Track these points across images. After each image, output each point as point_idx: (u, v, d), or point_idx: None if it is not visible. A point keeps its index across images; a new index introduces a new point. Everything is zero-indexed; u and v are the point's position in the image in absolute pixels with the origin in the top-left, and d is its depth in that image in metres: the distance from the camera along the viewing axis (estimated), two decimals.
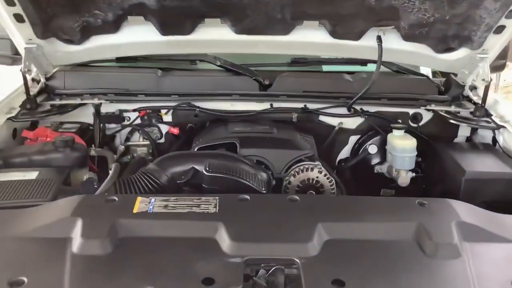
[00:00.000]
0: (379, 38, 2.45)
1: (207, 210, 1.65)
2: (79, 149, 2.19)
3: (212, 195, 1.73)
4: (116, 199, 1.71)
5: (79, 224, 1.56)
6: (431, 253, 1.51)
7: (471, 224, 1.63)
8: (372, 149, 2.62)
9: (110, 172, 1.99)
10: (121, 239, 1.54)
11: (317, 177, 2.18)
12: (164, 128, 2.77)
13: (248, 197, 1.73)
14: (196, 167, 2.05)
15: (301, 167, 2.19)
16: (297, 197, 1.73)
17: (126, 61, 2.80)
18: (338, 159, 2.82)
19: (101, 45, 2.52)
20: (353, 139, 2.78)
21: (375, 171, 2.61)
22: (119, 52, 2.63)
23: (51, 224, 1.58)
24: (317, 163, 2.25)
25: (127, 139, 2.78)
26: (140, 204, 1.68)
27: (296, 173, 2.18)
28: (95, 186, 1.96)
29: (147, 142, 2.73)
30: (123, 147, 2.67)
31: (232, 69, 2.72)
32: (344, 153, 2.81)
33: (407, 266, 1.49)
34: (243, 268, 1.43)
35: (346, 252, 1.53)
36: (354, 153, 2.74)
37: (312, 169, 2.18)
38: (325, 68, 2.98)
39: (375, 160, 2.65)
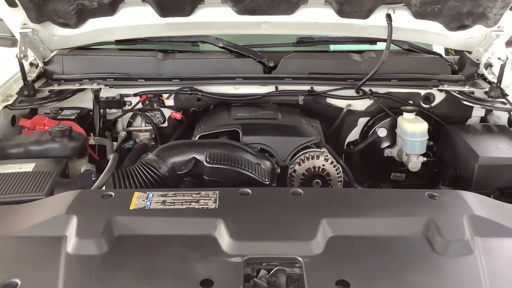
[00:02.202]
0: (388, 17, 2.32)
1: (206, 206, 1.59)
2: (77, 139, 2.13)
3: (212, 189, 1.67)
4: (113, 194, 1.65)
5: (74, 222, 1.51)
6: (442, 250, 1.44)
7: (483, 218, 1.55)
8: (382, 132, 2.52)
9: (108, 163, 1.93)
10: (117, 238, 1.49)
11: (323, 165, 2.10)
12: (167, 112, 2.69)
13: (249, 191, 1.66)
14: (197, 157, 1.98)
15: (307, 155, 2.10)
16: (301, 191, 1.65)
17: (125, 44, 2.70)
18: (346, 141, 2.73)
19: (98, 29, 2.43)
20: (362, 121, 2.68)
21: (385, 155, 2.51)
22: (117, 35, 2.53)
23: (45, 222, 1.53)
24: (323, 150, 2.17)
25: (129, 124, 2.71)
26: (137, 199, 1.62)
27: (301, 161, 2.10)
28: (93, 178, 1.90)
29: (149, 127, 2.66)
30: (125, 133, 2.60)
31: (235, 51, 2.62)
32: (353, 135, 2.72)
33: (416, 264, 1.42)
34: (243, 268, 1.37)
35: (352, 250, 1.46)
36: (363, 136, 2.65)
37: (318, 157, 2.09)
38: (333, 47, 2.86)
39: (385, 144, 2.55)
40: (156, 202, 1.61)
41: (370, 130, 2.61)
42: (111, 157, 1.98)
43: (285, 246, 1.45)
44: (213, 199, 1.62)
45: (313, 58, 2.63)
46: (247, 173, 1.86)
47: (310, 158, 2.09)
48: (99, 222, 1.50)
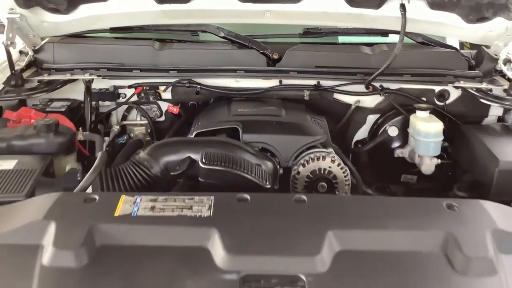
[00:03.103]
0: (402, 7, 2.15)
1: (199, 213, 1.43)
2: (64, 134, 1.97)
3: (206, 194, 1.51)
4: (97, 197, 1.50)
5: (52, 229, 1.36)
6: (462, 269, 1.28)
7: (509, 232, 1.39)
8: (393, 131, 2.35)
9: (95, 162, 1.77)
10: (99, 248, 1.34)
11: (329, 167, 1.94)
12: (164, 106, 2.53)
13: (248, 196, 1.50)
14: (193, 156, 1.82)
15: (312, 156, 1.94)
16: (305, 197, 1.49)
17: (121, 32, 2.54)
18: (354, 140, 2.56)
19: (91, 15, 2.28)
20: (371, 118, 2.51)
21: (396, 155, 2.35)
22: (111, 22, 2.37)
23: (20, 228, 1.38)
24: (329, 150, 2.00)
25: (124, 117, 2.55)
26: (124, 205, 1.46)
27: (305, 162, 1.94)
28: (78, 179, 1.74)
29: (145, 121, 2.51)
30: (118, 127, 2.44)
31: (237, 41, 2.45)
32: (361, 133, 2.55)
33: (433, 284, 1.27)
34: (239, 287, 1.21)
35: (361, 267, 1.30)
36: (373, 134, 2.48)
37: (324, 158, 1.93)
38: (341, 39, 2.68)
39: (396, 143, 2.39)
40: (144, 208, 1.45)
41: (380, 128, 2.44)
42: (99, 154, 1.82)
43: (286, 262, 1.29)
44: (207, 205, 1.46)
45: (320, 51, 2.45)
46: (247, 176, 1.71)
47: (316, 159, 1.93)
48: (80, 229, 1.35)
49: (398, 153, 2.34)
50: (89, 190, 1.71)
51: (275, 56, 2.39)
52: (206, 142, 1.88)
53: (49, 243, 1.32)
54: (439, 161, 2.19)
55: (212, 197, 1.50)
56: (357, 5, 2.18)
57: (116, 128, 2.42)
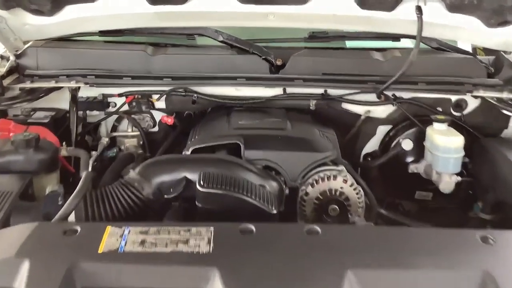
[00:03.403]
0: (418, 9, 1.95)
1: (197, 249, 1.24)
2: (46, 150, 1.78)
3: (205, 224, 1.31)
4: (78, 229, 1.30)
5: (25, 268, 1.17)
6: None
7: None
8: (407, 144, 2.16)
9: (79, 184, 1.57)
10: None
11: (341, 188, 1.74)
12: (158, 115, 2.34)
13: (253, 228, 1.31)
14: (189, 176, 1.63)
15: (321, 175, 1.75)
16: (318, 228, 1.30)
17: (111, 35, 2.33)
18: (363, 153, 2.37)
19: (77, 17, 2.06)
20: (382, 129, 2.32)
21: (410, 171, 2.16)
22: (99, 25, 2.17)
23: None
24: (340, 168, 1.81)
25: (114, 128, 2.35)
26: (109, 238, 1.27)
27: (315, 182, 1.74)
28: (60, 203, 1.55)
29: (137, 132, 2.30)
30: (107, 139, 2.24)
31: (237, 46, 2.25)
32: (371, 146, 2.36)
33: None
34: None
35: None
36: (384, 147, 2.29)
37: (335, 177, 1.74)
38: (349, 44, 2.49)
39: (410, 158, 2.20)
40: (133, 242, 1.26)
41: (392, 141, 2.25)
42: (83, 175, 1.62)
43: None
44: (206, 238, 1.27)
45: (328, 57, 2.26)
46: (250, 200, 1.51)
47: (326, 178, 1.74)
48: (58, 269, 1.17)
49: (413, 168, 2.16)
50: (72, 216, 1.51)
51: (279, 62, 2.20)
52: (204, 160, 1.68)
53: (22, 286, 1.13)
54: (459, 178, 2.00)
55: (212, 229, 1.31)
56: (368, 7, 1.99)
57: (105, 140, 2.22)
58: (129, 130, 2.32)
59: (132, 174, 1.64)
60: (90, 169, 1.97)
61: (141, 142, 2.31)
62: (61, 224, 1.37)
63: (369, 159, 2.36)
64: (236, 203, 1.51)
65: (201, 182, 1.51)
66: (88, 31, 2.23)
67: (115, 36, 2.35)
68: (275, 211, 1.53)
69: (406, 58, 2.06)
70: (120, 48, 2.27)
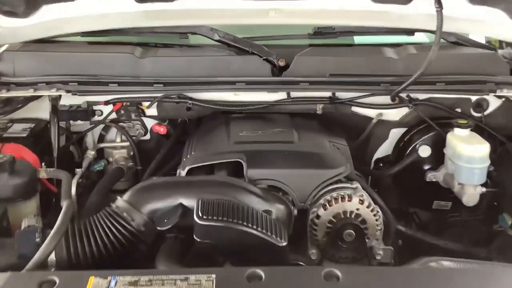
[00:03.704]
0: (438, 2, 1.75)
1: None
2: (22, 173, 1.58)
3: (205, 271, 1.12)
4: (57, 280, 1.10)
5: None
6: None
7: None
8: (424, 151, 1.96)
9: (58, 219, 1.37)
10: None
11: (357, 209, 1.55)
12: (149, 121, 2.12)
13: (262, 273, 1.12)
14: (185, 202, 1.43)
15: (335, 195, 1.55)
16: (338, 273, 1.11)
17: (94, 35, 2.11)
18: (374, 158, 2.17)
19: (56, 18, 1.86)
20: (395, 132, 2.12)
21: (427, 180, 1.97)
22: (81, 26, 1.96)
23: None
24: (355, 185, 1.61)
25: (101, 137, 2.14)
26: None
27: (327, 204, 1.55)
28: (37, 240, 1.35)
29: (127, 143, 2.09)
30: (93, 152, 2.03)
31: (235, 46, 2.02)
32: (383, 150, 2.16)
33: None
34: None
35: None
36: (398, 153, 2.09)
37: (350, 198, 1.54)
38: (358, 39, 2.26)
39: (427, 165, 2.00)
40: None
41: (408, 146, 2.05)
42: (64, 205, 1.42)
43: None
44: None
45: (335, 55, 2.04)
46: (256, 232, 1.31)
47: (340, 199, 1.54)
48: None
49: (431, 177, 1.97)
50: (52, 255, 1.32)
51: (281, 63, 1.97)
52: (201, 184, 1.49)
53: None
54: (484, 189, 1.81)
55: (213, 276, 1.11)
56: (382, 0, 1.78)
57: (90, 154, 2.01)
58: (118, 140, 2.11)
59: (120, 202, 1.44)
60: (74, 190, 1.78)
61: (132, 153, 2.10)
62: (36, 275, 1.17)
63: (381, 165, 2.16)
64: (240, 236, 1.32)
65: (199, 213, 1.31)
66: (68, 32, 2.01)
67: (100, 36, 2.13)
68: (284, 243, 1.33)
69: (422, 55, 1.86)
70: (105, 50, 2.04)
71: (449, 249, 1.85)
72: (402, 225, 2.13)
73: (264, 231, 1.32)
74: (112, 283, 1.10)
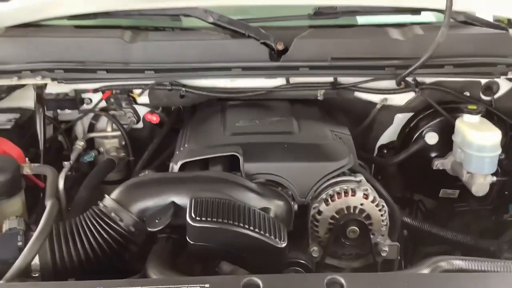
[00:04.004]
0: None
1: None
2: (5, 170, 1.48)
3: (199, 281, 1.03)
4: None
5: None
6: None
7: None
8: (431, 138, 1.87)
9: (43, 216, 1.28)
10: None
11: (361, 204, 1.45)
12: (142, 109, 2.02)
13: (259, 281, 1.03)
14: (178, 201, 1.34)
15: (337, 189, 1.46)
16: (342, 280, 1.02)
17: (82, 19, 1.98)
18: (378, 144, 2.07)
19: (39, 2, 1.74)
20: (399, 118, 2.01)
21: (434, 167, 1.88)
22: (66, 10, 1.84)
23: None
24: (359, 178, 1.52)
25: (91, 126, 2.04)
26: None
27: (329, 198, 1.45)
28: (19, 244, 1.26)
29: (118, 132, 1.99)
30: (83, 143, 1.93)
31: (230, 28, 1.90)
32: (387, 136, 2.06)
33: None
34: None
35: None
36: (404, 139, 1.99)
37: (353, 192, 1.45)
38: (361, 20, 2.14)
39: (434, 153, 1.90)
40: None
41: (414, 133, 1.94)
42: (48, 205, 1.33)
43: None
44: None
45: (337, 37, 1.92)
46: (253, 234, 1.22)
47: (343, 194, 1.45)
48: None
49: (438, 164, 1.87)
50: (36, 259, 1.24)
51: (280, 47, 1.85)
52: (194, 181, 1.39)
53: None
54: (495, 178, 1.72)
55: (208, 286, 1.02)
56: None
57: (79, 144, 1.91)
58: (109, 129, 2.01)
59: (108, 201, 1.35)
60: (62, 184, 1.69)
61: (123, 143, 2.00)
62: (15, 286, 1.08)
63: (385, 151, 2.06)
64: (236, 238, 1.22)
65: (192, 214, 1.22)
66: (53, 16, 1.89)
67: (87, 20, 2.01)
68: (283, 244, 1.24)
69: (430, 36, 1.75)
70: (92, 35, 1.92)
71: (457, 242, 1.77)
72: (407, 213, 2.08)
73: (261, 232, 1.23)
74: None
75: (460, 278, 1.07)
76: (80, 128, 2.04)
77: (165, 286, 1.02)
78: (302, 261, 1.42)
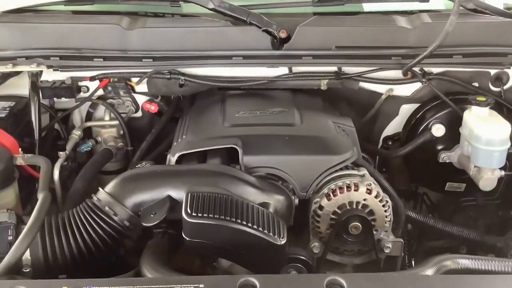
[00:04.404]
0: None
1: None
2: None
3: (192, 279, 0.99)
4: None
5: None
6: None
7: None
8: (438, 130, 1.80)
9: (35, 209, 1.24)
10: None
11: (364, 200, 1.40)
12: (141, 98, 1.97)
13: (256, 282, 0.99)
14: (174, 195, 1.29)
15: (340, 183, 1.41)
16: (343, 281, 0.97)
17: (79, 4, 1.93)
18: (383, 136, 2.01)
19: None
20: (405, 108, 1.95)
21: (440, 160, 1.82)
22: None
23: None
24: (362, 172, 1.47)
25: (89, 115, 1.99)
26: None
27: (331, 193, 1.40)
28: (10, 238, 1.22)
29: (116, 121, 1.95)
30: (79, 132, 1.88)
31: (231, 15, 1.84)
32: (392, 127, 2.00)
33: None
34: None
35: None
36: (409, 131, 1.93)
37: (356, 187, 1.40)
38: (367, 7, 2.06)
39: (441, 145, 1.84)
40: None
41: (420, 124, 1.88)
42: (40, 197, 1.28)
43: None
44: None
45: (342, 25, 1.85)
46: (251, 231, 1.18)
47: (345, 188, 1.40)
48: None
49: (445, 157, 1.81)
50: (27, 254, 1.20)
51: (283, 35, 1.79)
52: (191, 174, 1.34)
53: None
54: (503, 173, 1.66)
55: (202, 287, 0.98)
56: None
57: (76, 134, 1.86)
58: (107, 118, 1.96)
59: (102, 194, 1.31)
60: (57, 175, 1.65)
61: (122, 132, 1.96)
62: (3, 284, 1.04)
63: (390, 143, 2.01)
64: (234, 235, 1.18)
65: (188, 210, 1.17)
66: (50, 1, 1.84)
67: (84, 4, 1.95)
68: (283, 241, 1.20)
69: (438, 24, 1.69)
70: (89, 21, 1.86)
71: (463, 237, 1.72)
72: (411, 207, 2.03)
73: (260, 228, 1.19)
74: None
75: (466, 280, 1.02)
76: (77, 117, 2.00)
77: (158, 286, 0.98)
78: (302, 257, 1.38)
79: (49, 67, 1.78)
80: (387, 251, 1.43)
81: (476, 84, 1.87)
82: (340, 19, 1.91)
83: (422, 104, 1.92)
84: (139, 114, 2.01)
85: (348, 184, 1.40)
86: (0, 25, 1.85)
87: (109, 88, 1.88)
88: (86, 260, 1.26)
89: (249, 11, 1.84)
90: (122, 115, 1.94)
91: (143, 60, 1.76)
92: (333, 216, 1.42)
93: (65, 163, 1.76)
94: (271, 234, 1.19)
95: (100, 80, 1.85)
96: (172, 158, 1.46)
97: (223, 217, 1.17)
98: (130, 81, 1.88)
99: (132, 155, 1.92)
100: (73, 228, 1.26)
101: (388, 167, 1.98)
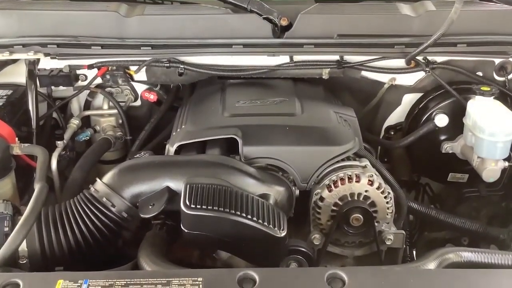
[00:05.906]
0: None
1: None
2: None
3: (192, 273, 0.97)
4: (21, 283, 0.97)
5: None
6: None
7: None
8: (441, 120, 1.78)
9: (31, 200, 1.22)
10: None
11: (366, 191, 1.38)
12: (140, 86, 1.95)
13: (255, 275, 0.97)
14: (173, 185, 1.27)
15: (341, 175, 1.39)
16: (343, 275, 0.96)
17: None
18: (385, 125, 1.99)
19: None
20: (408, 98, 1.93)
21: (443, 151, 1.80)
22: None
23: None
24: (364, 163, 1.44)
25: (87, 103, 1.97)
26: None
27: (332, 185, 1.38)
28: (6, 229, 1.20)
29: (115, 110, 1.92)
30: (77, 121, 1.86)
31: (232, 2, 1.80)
32: (395, 117, 1.97)
33: None
34: None
35: None
36: (412, 120, 1.90)
37: (358, 178, 1.38)
38: None
39: (444, 136, 1.82)
40: None
41: (423, 114, 1.85)
42: (36, 188, 1.26)
43: None
44: None
45: (344, 13, 1.82)
46: (251, 223, 1.16)
47: (347, 180, 1.38)
48: None
49: (447, 148, 1.79)
50: (24, 245, 1.18)
51: (284, 23, 1.75)
52: (190, 165, 1.32)
53: None
54: (507, 164, 1.64)
55: (201, 280, 0.96)
56: None
57: (74, 123, 1.84)
58: (105, 106, 1.94)
59: (99, 185, 1.29)
60: (54, 165, 1.63)
61: (120, 121, 1.94)
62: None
63: (392, 133, 1.99)
64: (233, 227, 1.16)
65: (187, 202, 1.15)
66: None
67: None
68: (283, 233, 1.18)
69: (442, 12, 1.66)
70: (87, 8, 1.83)
71: (466, 228, 1.71)
72: (413, 197, 2.01)
73: (260, 221, 1.17)
74: (84, 287, 0.96)
75: (469, 275, 1.00)
76: (76, 106, 1.98)
77: (155, 280, 0.96)
78: (302, 249, 1.36)
79: (46, 55, 1.75)
80: (388, 243, 1.42)
81: (480, 74, 1.85)
82: (343, 6, 1.88)
83: (425, 93, 1.89)
84: (138, 103, 1.99)
85: (350, 175, 1.38)
86: None
87: (108, 76, 1.86)
88: (83, 252, 1.24)
89: None
90: (121, 104, 1.92)
91: (142, 48, 1.74)
92: (334, 208, 1.40)
93: (63, 152, 1.75)
94: (271, 226, 1.17)
95: (98, 68, 1.82)
96: (171, 148, 1.44)
97: (222, 209, 1.15)
98: (129, 69, 1.85)
99: (131, 145, 1.90)
100: (70, 219, 1.24)
101: (390, 157, 1.96)
